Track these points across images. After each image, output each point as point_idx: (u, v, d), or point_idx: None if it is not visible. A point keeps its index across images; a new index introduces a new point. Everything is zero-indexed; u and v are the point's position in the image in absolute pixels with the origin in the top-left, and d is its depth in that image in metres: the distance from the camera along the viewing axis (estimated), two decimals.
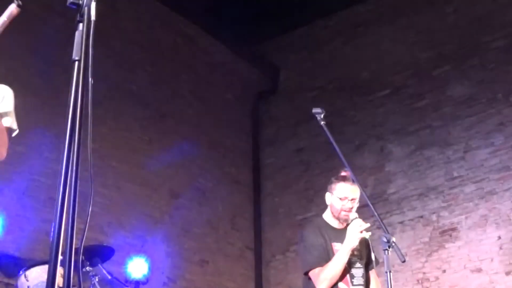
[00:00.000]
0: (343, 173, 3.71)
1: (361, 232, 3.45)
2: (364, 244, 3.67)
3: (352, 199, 3.60)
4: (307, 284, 3.58)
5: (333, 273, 3.47)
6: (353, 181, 3.63)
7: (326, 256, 3.52)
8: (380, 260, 3.40)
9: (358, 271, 3.59)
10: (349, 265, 3.55)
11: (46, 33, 6.53)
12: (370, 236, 3.50)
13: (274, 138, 9.03)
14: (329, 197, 3.71)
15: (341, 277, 3.51)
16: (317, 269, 3.50)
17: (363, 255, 3.68)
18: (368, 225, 3.49)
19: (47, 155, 6.01)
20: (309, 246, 3.57)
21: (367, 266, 3.68)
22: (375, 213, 3.29)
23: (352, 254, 3.56)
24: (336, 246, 3.58)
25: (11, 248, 5.60)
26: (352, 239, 3.46)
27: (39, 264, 4.38)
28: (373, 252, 3.61)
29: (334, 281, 3.48)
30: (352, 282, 3.54)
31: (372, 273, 3.70)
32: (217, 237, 8.02)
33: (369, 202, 3.38)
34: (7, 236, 5.45)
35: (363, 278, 3.59)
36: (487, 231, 6.94)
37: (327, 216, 3.72)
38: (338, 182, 3.67)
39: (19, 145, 6.08)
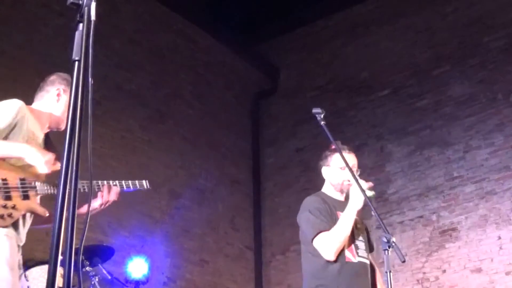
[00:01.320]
0: (333, 147, 3.62)
1: (369, 188, 3.38)
2: (363, 227, 3.66)
3: (353, 166, 3.54)
4: (313, 253, 3.47)
5: (341, 235, 3.39)
6: (349, 150, 3.58)
7: (332, 223, 3.43)
8: (380, 261, 3.39)
9: (361, 244, 3.54)
10: (353, 237, 3.49)
11: (46, 33, 6.53)
12: (373, 195, 3.38)
13: (274, 138, 9.03)
14: (326, 171, 3.63)
15: (347, 245, 3.45)
16: (323, 233, 3.40)
17: (366, 229, 3.67)
18: (370, 183, 3.43)
19: None
20: (314, 212, 3.49)
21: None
22: (375, 213, 3.28)
23: (355, 227, 3.51)
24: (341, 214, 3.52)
25: None
26: (357, 199, 3.37)
27: (39, 264, 4.38)
28: (371, 237, 3.60)
29: (341, 245, 3.41)
30: (357, 253, 3.48)
31: (371, 256, 3.66)
32: (217, 237, 8.02)
33: (369, 202, 3.37)
34: None
35: (366, 253, 3.55)
36: (487, 231, 6.94)
37: (327, 189, 3.65)
38: (334, 153, 3.60)
39: None
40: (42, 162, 2.83)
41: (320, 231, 3.41)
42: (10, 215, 2.83)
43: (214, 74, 8.66)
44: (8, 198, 2.86)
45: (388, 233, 3.09)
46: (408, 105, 7.95)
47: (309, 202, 3.59)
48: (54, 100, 3.24)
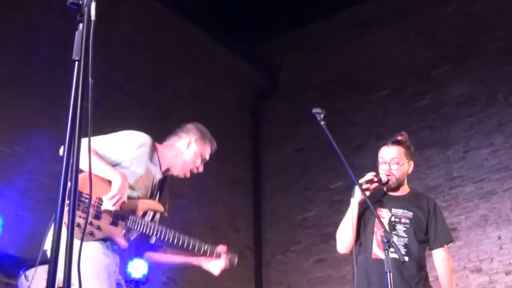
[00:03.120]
0: (398, 137, 3.77)
1: (365, 183, 3.46)
2: (421, 217, 3.59)
3: (390, 161, 3.65)
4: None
5: (342, 231, 3.54)
6: (394, 142, 3.68)
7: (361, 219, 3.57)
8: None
9: (399, 239, 3.53)
10: (391, 230, 3.51)
11: (46, 33, 6.53)
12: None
13: (274, 138, 9.03)
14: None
15: (379, 243, 3.47)
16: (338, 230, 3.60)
17: (416, 226, 3.58)
18: (369, 177, 3.51)
19: (47, 155, 6.00)
20: (346, 216, 3.63)
21: (422, 242, 3.61)
22: (376, 213, 3.29)
23: (398, 221, 3.54)
24: (382, 212, 3.58)
25: (11, 248, 5.59)
26: (355, 192, 3.49)
27: (39, 264, 4.38)
28: (437, 229, 3.53)
29: (346, 240, 3.53)
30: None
31: (437, 253, 3.66)
32: (217, 237, 8.01)
33: (369, 202, 3.38)
34: (7, 236, 5.44)
35: (405, 249, 3.52)
36: (487, 231, 6.94)
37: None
38: (381, 146, 3.76)
39: (19, 145, 6.09)
40: (112, 194, 2.86)
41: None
42: (91, 234, 2.87)
43: (214, 74, 8.65)
44: (98, 217, 2.89)
45: (388, 233, 3.09)
46: (408, 105, 7.94)
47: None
48: (184, 147, 3.29)
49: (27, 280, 4.30)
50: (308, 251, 8.04)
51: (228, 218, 8.28)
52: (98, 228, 2.89)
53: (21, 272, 4.37)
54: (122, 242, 2.99)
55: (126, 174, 2.98)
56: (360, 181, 3.47)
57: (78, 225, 2.80)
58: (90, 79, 1.73)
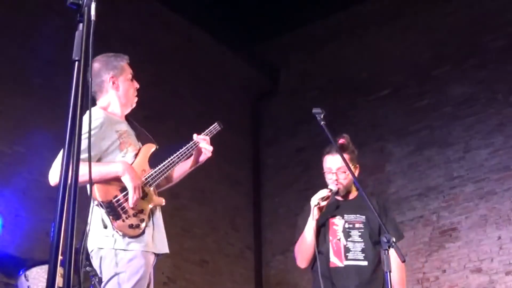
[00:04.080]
0: (339, 140, 3.68)
1: (316, 200, 3.48)
2: (373, 219, 3.57)
3: (336, 170, 3.61)
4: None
5: (301, 248, 3.58)
6: (337, 151, 3.57)
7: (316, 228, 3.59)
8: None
9: (356, 245, 3.53)
10: (346, 238, 3.52)
11: (46, 33, 6.53)
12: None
13: (274, 138, 9.02)
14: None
15: (334, 250, 3.50)
16: (296, 244, 3.67)
17: (370, 229, 3.58)
18: (324, 193, 3.49)
19: (47, 155, 6.00)
20: (300, 222, 3.74)
21: (377, 243, 3.55)
22: (375, 213, 3.28)
23: (352, 227, 3.55)
24: (335, 220, 3.60)
25: (11, 248, 5.59)
26: (311, 211, 3.51)
27: (39, 264, 4.38)
28: (387, 227, 3.51)
29: (304, 254, 3.56)
30: (346, 256, 3.50)
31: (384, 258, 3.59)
32: (217, 237, 8.01)
33: (369, 202, 3.37)
34: (7, 236, 5.45)
35: (363, 253, 3.51)
36: (487, 231, 6.94)
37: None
38: (323, 155, 3.73)
39: (19, 145, 6.09)
40: (131, 189, 2.92)
41: (295, 242, 3.68)
42: (142, 220, 2.95)
43: (214, 74, 8.65)
44: (126, 212, 2.94)
45: (388, 233, 3.09)
46: (408, 105, 7.94)
47: (303, 211, 3.79)
48: (111, 88, 3.25)
49: (27, 280, 4.30)
50: None
51: (228, 218, 8.28)
52: (142, 211, 2.96)
53: (21, 272, 4.36)
54: (160, 202, 3.12)
55: (111, 155, 3.02)
56: (315, 199, 3.50)
57: (132, 225, 2.89)
58: (90, 79, 1.73)
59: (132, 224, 2.89)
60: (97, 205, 2.87)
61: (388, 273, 3.00)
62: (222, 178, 8.32)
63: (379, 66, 8.33)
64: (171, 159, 3.19)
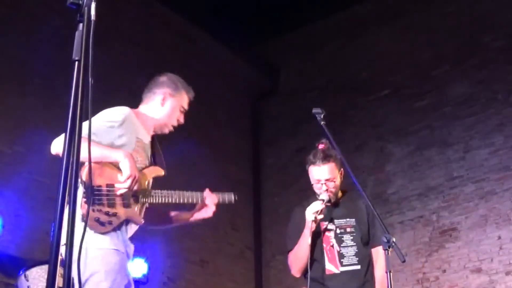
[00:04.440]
0: (319, 146, 3.69)
1: (313, 214, 3.47)
2: (363, 220, 3.60)
3: (325, 181, 3.64)
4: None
5: (297, 258, 3.56)
6: (324, 160, 3.60)
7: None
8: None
9: (349, 249, 3.54)
10: (339, 244, 3.53)
11: (46, 33, 6.53)
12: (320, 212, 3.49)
13: (274, 138, 9.03)
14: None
15: (329, 257, 3.51)
16: (289, 253, 3.65)
17: (361, 231, 3.59)
18: (320, 207, 3.48)
19: (47, 155, 6.00)
20: (291, 231, 3.72)
21: (368, 243, 3.59)
22: (375, 213, 3.29)
23: (344, 232, 3.56)
24: (326, 226, 3.60)
25: (11, 248, 5.59)
26: (306, 224, 3.49)
27: (39, 264, 4.38)
28: (375, 227, 3.53)
29: (300, 264, 3.56)
30: (341, 262, 3.51)
31: (376, 251, 3.57)
32: (217, 237, 8.01)
33: (369, 202, 3.38)
34: (7, 236, 5.45)
35: (357, 257, 3.52)
36: (487, 231, 6.94)
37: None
38: (309, 165, 3.75)
39: (19, 145, 6.09)
40: (126, 175, 2.85)
41: (289, 251, 3.65)
42: (110, 223, 2.84)
43: (214, 74, 8.65)
44: (112, 205, 2.87)
45: (388, 233, 3.09)
46: (408, 105, 7.95)
47: (292, 216, 3.81)
48: (159, 104, 3.23)
49: (27, 280, 4.30)
50: None
51: (228, 218, 8.28)
52: (115, 215, 2.88)
53: (21, 272, 4.36)
54: (139, 220, 2.99)
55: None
56: (310, 214, 3.49)
57: (98, 219, 2.80)
58: (90, 79, 1.73)
59: (98, 219, 2.79)
60: (80, 182, 2.75)
61: (388, 273, 3.00)
62: (222, 178, 8.32)
63: (379, 66, 8.33)
64: (173, 192, 3.11)
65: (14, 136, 6.07)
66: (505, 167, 7.05)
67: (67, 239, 1.60)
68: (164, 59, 8.00)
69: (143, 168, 3.07)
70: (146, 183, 3.08)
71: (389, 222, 7.35)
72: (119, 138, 2.98)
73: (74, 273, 2.72)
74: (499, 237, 6.85)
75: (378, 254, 3.52)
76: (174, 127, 3.30)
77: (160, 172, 3.17)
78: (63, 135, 2.80)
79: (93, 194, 2.80)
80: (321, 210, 3.49)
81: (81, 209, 2.74)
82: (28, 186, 5.91)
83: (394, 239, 3.05)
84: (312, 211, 3.48)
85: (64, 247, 1.58)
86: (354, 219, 3.61)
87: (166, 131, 3.28)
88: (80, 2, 1.76)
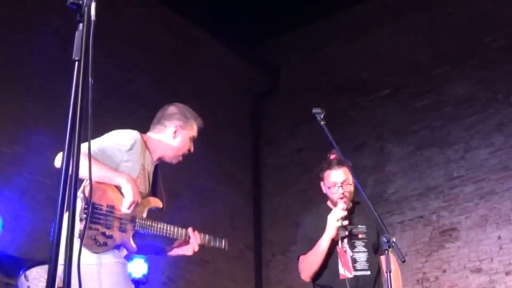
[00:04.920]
0: (331, 156, 3.74)
1: (338, 220, 3.52)
2: (373, 228, 3.66)
3: (341, 184, 3.65)
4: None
5: (311, 263, 3.62)
6: (339, 164, 3.65)
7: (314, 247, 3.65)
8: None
9: (361, 255, 3.61)
10: (351, 249, 3.60)
11: (46, 33, 6.53)
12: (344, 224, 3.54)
13: (274, 138, 9.03)
14: (323, 187, 3.78)
15: (343, 262, 3.58)
16: (301, 258, 3.70)
17: (371, 239, 3.67)
18: (343, 213, 3.54)
19: (47, 155, 6.00)
20: (302, 236, 3.77)
21: (377, 251, 3.66)
22: (375, 213, 3.29)
23: (356, 238, 3.62)
24: (339, 231, 3.61)
25: (11, 248, 5.59)
26: (329, 231, 3.54)
27: (39, 264, 4.39)
28: (385, 236, 3.60)
29: (314, 269, 3.62)
30: (354, 267, 3.58)
31: (384, 259, 3.66)
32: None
33: (369, 203, 3.38)
34: (7, 236, 5.44)
35: (367, 263, 3.59)
36: (487, 231, 6.94)
37: (330, 203, 3.80)
38: (325, 171, 3.73)
39: (19, 145, 6.09)
40: (129, 201, 2.86)
41: (299, 256, 3.72)
42: (105, 244, 2.83)
43: (214, 74, 8.65)
44: (109, 227, 2.86)
45: (388, 233, 3.09)
46: (408, 105, 7.95)
47: (302, 222, 3.87)
48: (171, 137, 3.24)
49: (27, 280, 4.30)
50: None
51: (228, 218, 8.28)
52: (111, 237, 2.87)
53: (21, 272, 4.36)
54: (132, 247, 2.98)
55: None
56: (334, 220, 3.53)
57: (95, 238, 2.78)
58: (90, 79, 1.73)
59: (95, 237, 2.77)
60: (81, 197, 2.75)
61: (389, 273, 3.01)
62: (222, 178, 8.32)
63: (379, 66, 8.33)
64: (161, 224, 3.11)
65: (14, 136, 6.06)
66: (505, 167, 7.05)
67: (67, 239, 1.60)
68: (164, 59, 8.01)
69: (143, 197, 3.07)
70: (144, 212, 3.07)
71: (389, 222, 7.36)
72: (125, 162, 2.99)
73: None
74: (499, 237, 6.85)
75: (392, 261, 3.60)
76: (183, 157, 3.32)
77: (159, 204, 3.17)
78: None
79: (93, 212, 2.79)
80: (344, 217, 3.56)
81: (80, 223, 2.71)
82: (28, 186, 5.90)
83: (394, 239, 3.05)
84: (337, 218, 3.53)
85: (61, 267, 1.57)
86: (364, 226, 3.69)
87: (175, 162, 3.30)
88: (80, 2, 1.76)
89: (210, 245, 3.40)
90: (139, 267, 6.33)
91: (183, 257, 7.84)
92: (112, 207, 2.89)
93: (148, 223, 3.05)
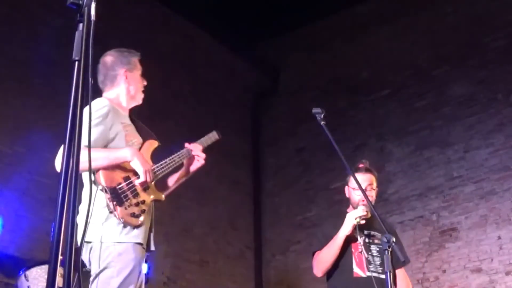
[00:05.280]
0: (360, 165, 3.93)
1: (355, 219, 3.62)
2: (386, 240, 3.73)
3: (366, 187, 3.80)
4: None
5: (324, 258, 3.71)
6: (366, 170, 3.85)
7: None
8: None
9: (376, 259, 3.70)
10: (367, 251, 3.69)
11: (46, 33, 6.53)
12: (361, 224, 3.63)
13: (274, 138, 9.03)
14: (347, 190, 3.91)
15: (357, 261, 3.67)
16: (316, 254, 3.81)
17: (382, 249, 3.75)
18: (362, 213, 3.65)
19: (47, 155, 6.00)
20: (321, 234, 3.90)
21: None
22: (375, 213, 3.29)
23: (372, 242, 3.72)
24: (356, 234, 3.72)
25: (11, 248, 5.59)
26: (345, 226, 3.64)
27: (39, 264, 4.39)
28: (398, 250, 3.65)
29: (326, 265, 3.71)
30: (368, 268, 3.66)
31: (399, 272, 3.77)
32: (217, 237, 8.01)
33: (369, 203, 3.38)
34: (7, 236, 5.45)
35: (381, 267, 3.66)
36: (487, 231, 6.94)
37: (351, 208, 3.90)
38: (352, 174, 3.80)
39: (19, 145, 6.09)
40: (142, 172, 2.97)
41: (315, 251, 3.83)
42: (143, 211, 2.97)
43: (214, 74, 8.65)
44: (137, 195, 2.99)
45: (388, 233, 3.09)
46: (408, 105, 7.95)
47: (326, 225, 4.10)
48: (125, 85, 3.29)
49: (27, 280, 4.30)
50: (308, 251, 7.97)
51: (228, 218, 8.28)
52: (144, 202, 2.99)
53: (21, 272, 4.36)
54: (160, 197, 3.13)
55: (117, 145, 3.04)
56: (352, 217, 3.63)
57: (134, 214, 2.91)
58: (90, 79, 1.73)
59: (134, 213, 2.91)
60: (101, 189, 2.88)
61: (389, 273, 3.01)
62: (222, 178, 8.32)
63: (379, 66, 8.33)
64: (166, 161, 3.21)
65: (14, 136, 6.06)
66: (505, 167, 7.05)
67: (67, 239, 1.60)
68: (164, 59, 8.01)
69: (140, 148, 3.16)
70: (150, 159, 3.18)
71: (389, 222, 7.36)
72: (110, 129, 3.05)
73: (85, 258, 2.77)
74: (499, 237, 6.85)
75: (400, 275, 3.79)
76: (143, 92, 3.40)
77: (155, 144, 3.29)
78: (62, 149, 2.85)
79: (119, 194, 2.90)
80: (364, 217, 3.66)
81: (115, 212, 2.85)
82: (28, 186, 5.91)
83: (394, 239, 3.06)
84: (355, 216, 3.63)
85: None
86: (380, 234, 3.76)
87: (140, 100, 3.39)
88: (80, 2, 1.76)
89: (209, 143, 3.51)
90: None
91: (183, 257, 7.84)
92: (128, 177, 2.99)
93: (159, 167, 3.16)
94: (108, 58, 3.29)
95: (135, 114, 3.48)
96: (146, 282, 6.57)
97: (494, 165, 7.12)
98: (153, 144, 3.28)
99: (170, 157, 3.23)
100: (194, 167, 3.38)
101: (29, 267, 4.36)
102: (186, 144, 3.35)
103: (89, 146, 1.92)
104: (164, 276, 7.11)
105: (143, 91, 3.38)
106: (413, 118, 7.84)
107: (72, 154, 1.64)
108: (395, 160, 7.82)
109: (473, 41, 7.68)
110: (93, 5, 1.76)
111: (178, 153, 3.29)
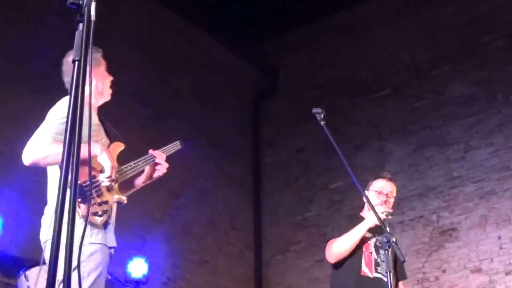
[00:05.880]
0: (384, 172, 4.15)
1: (383, 213, 3.64)
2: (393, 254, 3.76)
3: (388, 193, 3.92)
4: (334, 267, 3.89)
5: (341, 244, 3.73)
6: (390, 179, 4.01)
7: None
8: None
9: (383, 264, 3.71)
10: (377, 253, 3.74)
11: (46, 33, 6.53)
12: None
13: (274, 138, 9.02)
14: (366, 193, 3.91)
15: (366, 261, 3.72)
16: (332, 240, 3.80)
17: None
18: (388, 209, 3.73)
19: None
20: (337, 226, 3.92)
21: (395, 268, 3.79)
22: (375, 213, 3.29)
23: (382, 246, 3.70)
24: (368, 235, 3.80)
25: (11, 248, 5.59)
26: (370, 219, 3.70)
27: (39, 264, 4.38)
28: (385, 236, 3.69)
29: (343, 254, 3.73)
30: (376, 269, 3.72)
31: (400, 284, 3.88)
32: (217, 237, 8.01)
33: (370, 202, 3.38)
34: (7, 236, 5.44)
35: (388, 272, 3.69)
36: (487, 231, 6.94)
37: (364, 214, 3.96)
38: (376, 178, 4.02)
39: (19, 145, 6.08)
40: (109, 168, 2.91)
41: (328, 240, 3.83)
42: (105, 211, 2.92)
43: (214, 74, 8.65)
44: (100, 194, 2.94)
45: (389, 233, 3.10)
46: (408, 105, 7.95)
47: (338, 219, 4.31)
48: (93, 82, 3.23)
49: (27, 280, 4.30)
50: (308, 251, 8.04)
51: (228, 218, 8.28)
52: (106, 202, 2.95)
53: (21, 272, 4.36)
54: (123, 200, 3.09)
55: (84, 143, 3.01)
56: (382, 211, 3.66)
57: (96, 213, 2.87)
58: (90, 79, 1.74)
59: (97, 212, 2.87)
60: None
61: (389, 273, 3.01)
62: (222, 178, 8.32)
63: (379, 66, 8.33)
64: (131, 164, 3.17)
65: (14, 136, 6.06)
66: (505, 167, 7.05)
67: (67, 239, 1.60)
68: (164, 59, 8.01)
69: (107, 147, 3.12)
70: (115, 161, 3.13)
71: (389, 222, 7.29)
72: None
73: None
74: (499, 237, 6.85)
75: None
76: (111, 87, 3.41)
77: (121, 146, 3.25)
78: (32, 139, 2.85)
79: (84, 192, 2.82)
80: (388, 214, 3.72)
81: (78, 209, 2.76)
82: (28, 186, 5.90)
83: (394, 239, 3.06)
84: (383, 210, 3.67)
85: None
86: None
87: (109, 96, 3.39)
88: (80, 2, 1.75)
89: (171, 152, 3.44)
90: (139, 267, 6.33)
91: (183, 257, 7.84)
92: (94, 176, 2.93)
93: (124, 170, 3.12)
94: (71, 57, 3.30)
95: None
96: (145, 282, 6.57)
97: (494, 165, 7.12)
98: (119, 146, 3.24)
99: (135, 161, 3.20)
100: (156, 175, 3.34)
101: (29, 267, 4.36)
102: (150, 151, 3.31)
103: (89, 143, 1.91)
104: (164, 276, 7.10)
105: (111, 86, 3.37)
106: (413, 118, 7.83)
107: (72, 154, 1.64)
108: (395, 160, 7.82)
109: (473, 41, 7.68)
110: (93, 5, 1.76)
111: (143, 157, 3.25)
